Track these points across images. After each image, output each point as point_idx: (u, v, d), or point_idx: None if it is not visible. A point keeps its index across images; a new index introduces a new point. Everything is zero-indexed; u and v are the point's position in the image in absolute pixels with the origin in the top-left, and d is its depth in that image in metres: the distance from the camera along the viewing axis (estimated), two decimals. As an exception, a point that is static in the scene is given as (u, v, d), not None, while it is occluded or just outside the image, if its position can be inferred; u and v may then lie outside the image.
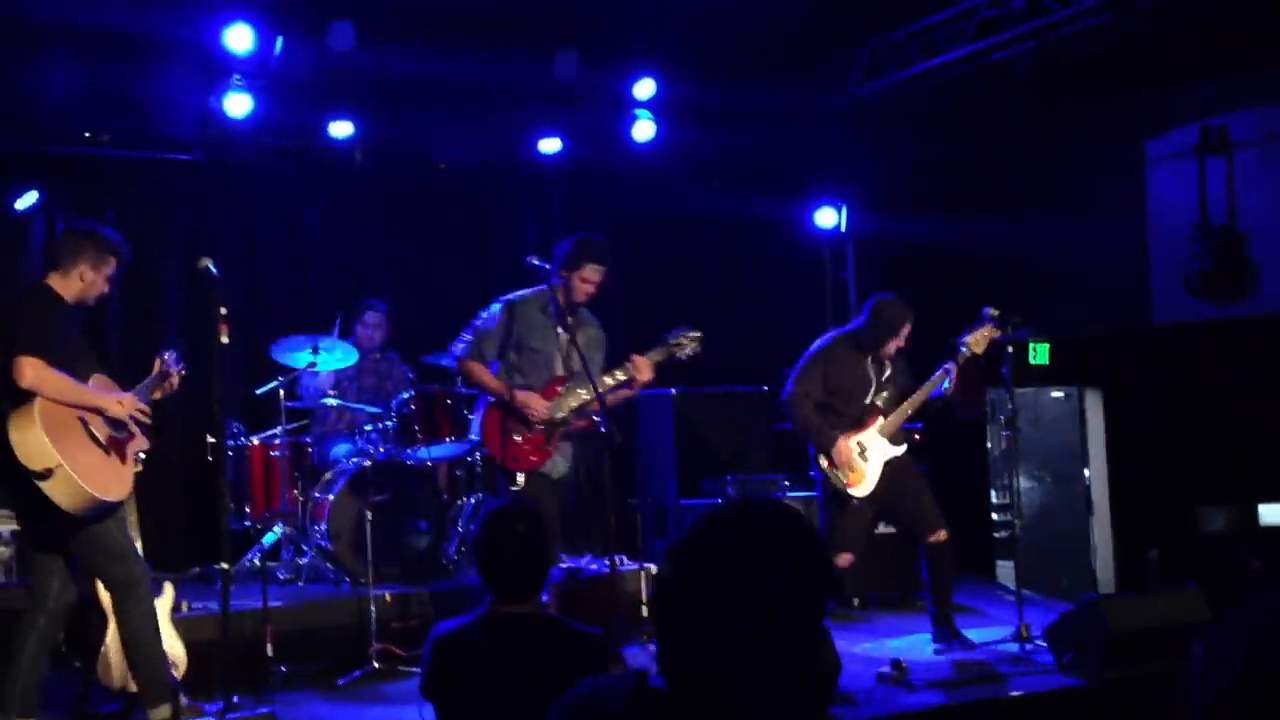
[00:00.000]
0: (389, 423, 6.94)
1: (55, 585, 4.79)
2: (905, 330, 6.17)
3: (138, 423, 4.76)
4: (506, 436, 5.62)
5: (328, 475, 6.99)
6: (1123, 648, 5.20)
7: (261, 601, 5.70)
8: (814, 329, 7.21)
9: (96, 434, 4.64)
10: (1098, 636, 5.22)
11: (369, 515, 6.17)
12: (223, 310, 4.59)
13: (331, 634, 6.19)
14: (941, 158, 8.66)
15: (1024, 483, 8.47)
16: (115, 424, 4.73)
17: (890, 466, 6.15)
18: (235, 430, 6.99)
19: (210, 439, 4.70)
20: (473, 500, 7.38)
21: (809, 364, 6.20)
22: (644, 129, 8.53)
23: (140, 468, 4.94)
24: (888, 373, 6.26)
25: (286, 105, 7.56)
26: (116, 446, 4.73)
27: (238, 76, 7.26)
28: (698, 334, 5.78)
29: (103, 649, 5.09)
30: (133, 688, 5.24)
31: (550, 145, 8.49)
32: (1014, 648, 5.87)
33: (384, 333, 7.63)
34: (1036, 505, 7.98)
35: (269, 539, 7.00)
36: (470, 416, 7.13)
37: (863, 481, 6.08)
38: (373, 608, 6.00)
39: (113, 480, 4.64)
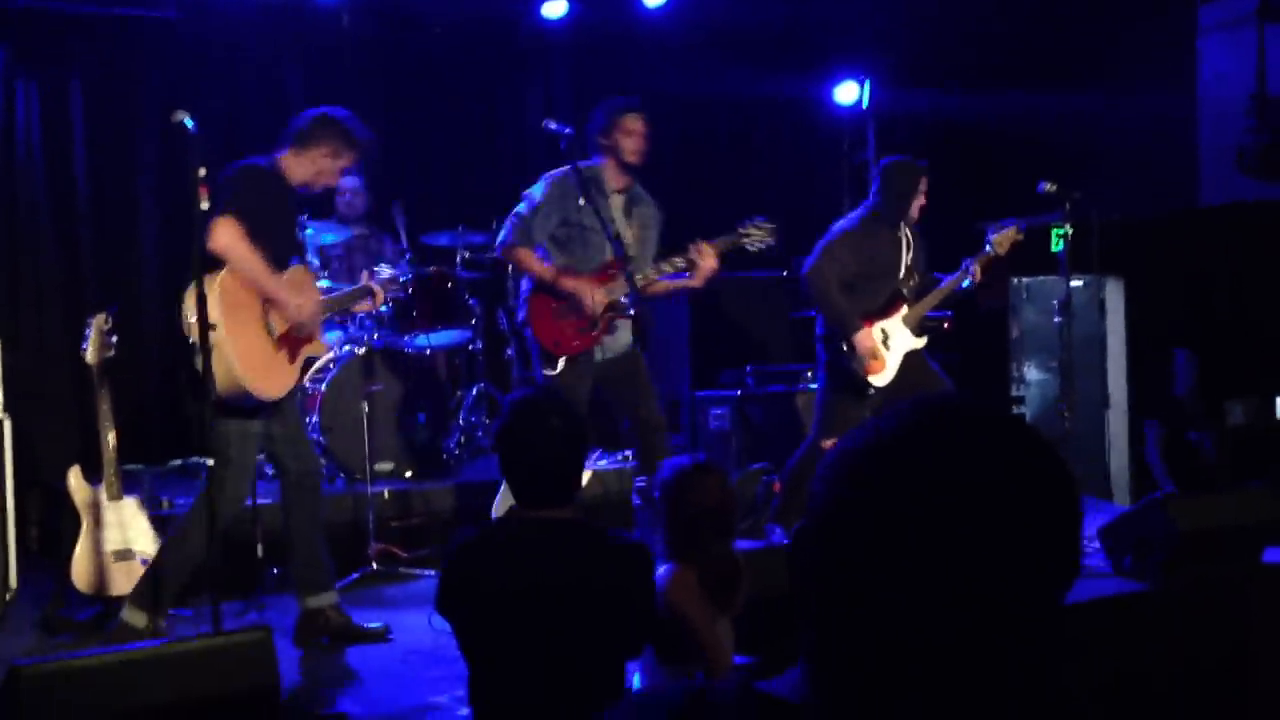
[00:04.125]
0: (384, 307, 6.43)
1: (288, 460, 4.59)
2: (923, 186, 5.75)
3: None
4: (555, 321, 5.18)
5: (319, 363, 6.50)
6: (1189, 550, 4.80)
7: (250, 499, 5.26)
8: (833, 213, 6.73)
9: (273, 325, 4.36)
10: (1162, 538, 4.82)
11: (364, 407, 5.73)
12: (201, 171, 4.03)
13: (326, 533, 5.73)
14: (972, 27, 8.08)
15: (1038, 374, 8.12)
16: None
17: (908, 358, 5.76)
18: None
19: (191, 319, 4.16)
20: (475, 391, 6.92)
21: (837, 240, 5.71)
22: (655, -8, 7.90)
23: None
24: (912, 254, 5.82)
25: (268, -41, 6.90)
26: (290, 345, 4.43)
27: (214, -75, 6.60)
28: (771, 225, 5.33)
29: (76, 552, 4.67)
30: (109, 592, 4.84)
31: (555, 9, 7.88)
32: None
33: (364, 201, 7.07)
34: (1052, 397, 7.60)
35: (257, 431, 6.53)
36: (471, 301, 6.68)
37: (883, 371, 5.68)
38: (370, 505, 5.57)
39: (270, 376, 4.34)
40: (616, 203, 5.32)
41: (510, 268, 6.76)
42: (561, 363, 5.15)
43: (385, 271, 5.21)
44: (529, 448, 2.94)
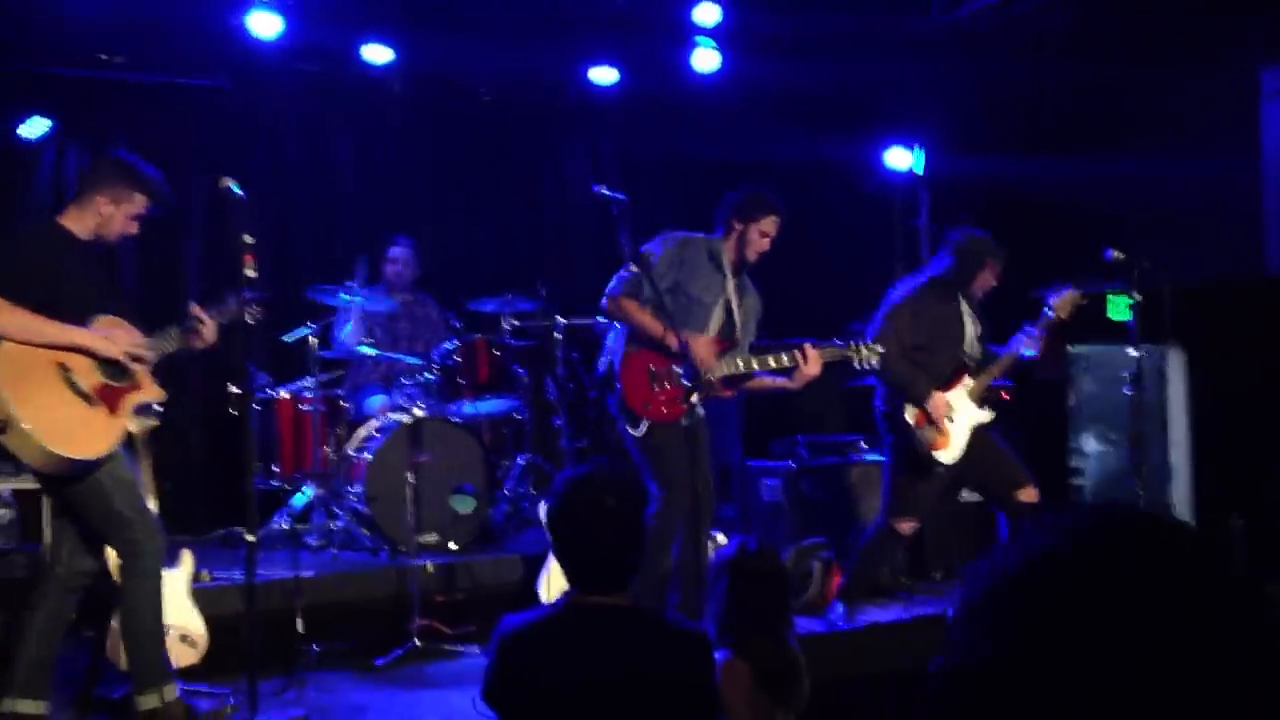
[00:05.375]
0: (430, 375, 6.34)
1: (63, 553, 4.30)
2: (997, 263, 5.64)
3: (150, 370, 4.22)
4: (649, 383, 4.98)
5: (364, 432, 6.41)
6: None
7: (291, 571, 5.17)
8: (884, 279, 6.58)
9: (79, 382, 4.06)
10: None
11: (410, 477, 5.60)
12: (248, 239, 3.96)
13: (368, 608, 5.64)
14: (1029, 91, 7.95)
15: (1096, 446, 7.91)
16: (113, 372, 4.16)
17: (975, 432, 5.56)
18: (262, 381, 6.41)
19: (234, 389, 4.07)
20: (522, 461, 6.79)
21: (898, 310, 5.55)
22: (706, 59, 7.85)
23: (157, 422, 4.37)
24: (978, 328, 5.66)
25: (319, 26, 6.91)
26: (108, 396, 4.14)
27: (266, -8, 6.63)
28: (881, 350, 5.18)
29: (113, 627, 4.54)
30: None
31: (604, 76, 7.87)
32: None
33: (413, 270, 7.01)
34: (1111, 470, 7.38)
35: (299, 501, 6.43)
36: (519, 370, 6.58)
37: (949, 445, 5.48)
38: (414, 579, 5.43)
39: (89, 435, 4.07)
40: (732, 283, 5.19)
41: (558, 335, 6.68)
42: (644, 424, 4.96)
43: (231, 300, 4.50)
44: (582, 529, 2.80)
